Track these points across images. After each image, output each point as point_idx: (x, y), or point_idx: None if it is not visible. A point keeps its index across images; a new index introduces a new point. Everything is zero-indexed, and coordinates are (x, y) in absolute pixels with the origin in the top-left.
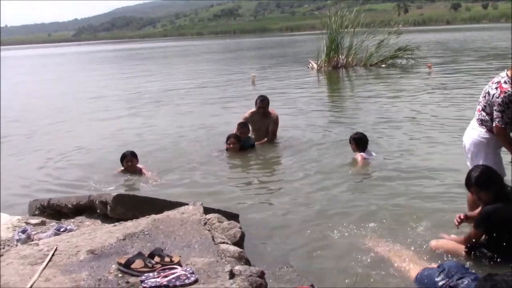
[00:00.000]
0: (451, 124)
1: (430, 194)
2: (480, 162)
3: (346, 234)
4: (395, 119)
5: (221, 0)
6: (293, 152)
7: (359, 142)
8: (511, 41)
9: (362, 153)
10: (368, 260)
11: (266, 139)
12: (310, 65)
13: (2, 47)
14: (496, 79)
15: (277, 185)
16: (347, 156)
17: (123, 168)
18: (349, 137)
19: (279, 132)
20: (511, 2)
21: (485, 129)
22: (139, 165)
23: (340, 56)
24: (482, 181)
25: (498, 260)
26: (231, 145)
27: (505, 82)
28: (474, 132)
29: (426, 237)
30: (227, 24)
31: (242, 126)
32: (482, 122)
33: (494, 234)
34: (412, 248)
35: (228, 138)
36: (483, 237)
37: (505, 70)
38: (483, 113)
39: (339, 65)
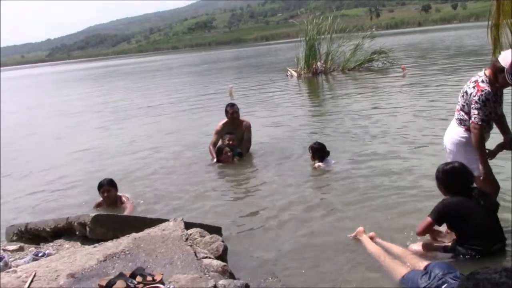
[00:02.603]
0: (425, 124)
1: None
2: (461, 160)
3: (330, 238)
4: (371, 126)
5: (195, 13)
6: (274, 162)
7: (315, 151)
8: (490, 41)
9: (319, 163)
10: (354, 262)
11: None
12: (289, 73)
13: None
14: (473, 78)
15: (258, 197)
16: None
17: (100, 199)
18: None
19: (261, 142)
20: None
21: (464, 129)
22: (119, 193)
23: (318, 63)
24: (441, 176)
25: (478, 257)
26: (229, 154)
27: (482, 81)
28: (453, 132)
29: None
30: (202, 36)
31: (229, 134)
32: (460, 122)
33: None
34: (400, 246)
35: (220, 149)
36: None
37: (483, 69)
38: (462, 113)
39: (318, 71)
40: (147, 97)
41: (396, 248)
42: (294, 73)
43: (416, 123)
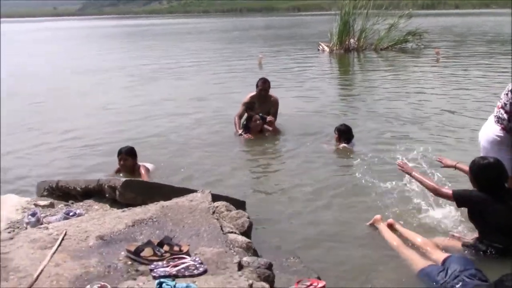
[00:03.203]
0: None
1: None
2: None
3: (354, 224)
4: (401, 110)
5: None
6: (299, 139)
7: (342, 133)
8: None
9: (344, 144)
10: (375, 251)
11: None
12: (321, 47)
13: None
14: None
15: (282, 174)
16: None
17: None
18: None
19: (288, 116)
20: None
21: (500, 127)
22: (140, 163)
23: (351, 39)
24: (474, 169)
25: (498, 255)
26: (258, 122)
27: None
28: (490, 129)
29: (434, 225)
30: (233, 2)
31: (251, 105)
32: (498, 120)
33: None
34: (421, 236)
35: (250, 116)
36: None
37: None
38: (502, 111)
39: (350, 48)
40: (175, 60)
41: (416, 237)
42: (326, 48)
43: (445, 111)
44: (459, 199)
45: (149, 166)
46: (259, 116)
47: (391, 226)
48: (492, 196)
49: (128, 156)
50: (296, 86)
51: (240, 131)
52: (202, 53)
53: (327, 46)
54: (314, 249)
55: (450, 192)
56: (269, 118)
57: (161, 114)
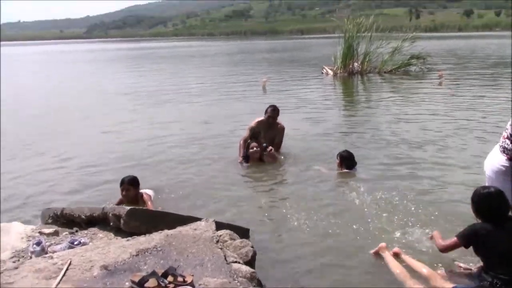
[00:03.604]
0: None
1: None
2: None
3: (359, 252)
4: (405, 134)
5: (233, 0)
6: (302, 164)
7: (344, 159)
8: None
9: (346, 170)
10: (380, 280)
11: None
12: (325, 70)
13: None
14: None
15: (284, 200)
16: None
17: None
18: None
19: (292, 141)
20: None
21: (506, 157)
22: (141, 190)
23: (355, 63)
24: (475, 199)
25: (504, 286)
26: (255, 149)
27: None
28: (495, 159)
29: (440, 256)
30: (238, 25)
31: (257, 135)
32: (504, 150)
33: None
34: (427, 266)
35: (248, 144)
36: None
37: None
38: (508, 141)
39: (354, 72)
40: (180, 83)
41: (422, 268)
42: (330, 71)
43: (449, 134)
44: (464, 240)
45: (150, 192)
46: (262, 143)
47: (396, 255)
48: (495, 226)
49: (130, 185)
50: (300, 110)
51: (240, 159)
52: (206, 76)
53: (331, 69)
54: (319, 279)
55: (454, 239)
56: (269, 149)
57: (165, 137)
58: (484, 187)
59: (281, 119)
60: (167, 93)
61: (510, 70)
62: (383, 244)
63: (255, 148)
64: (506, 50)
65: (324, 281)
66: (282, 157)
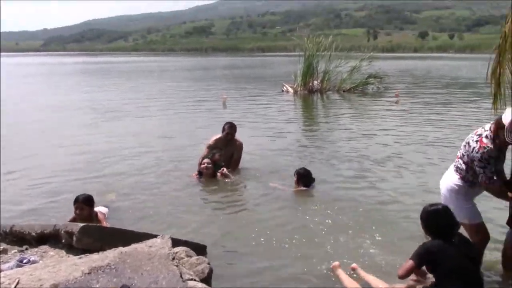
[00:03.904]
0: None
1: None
2: (450, 207)
3: (314, 269)
4: (362, 150)
5: (194, 17)
6: (258, 181)
7: (301, 177)
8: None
9: (302, 188)
10: None
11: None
12: (285, 88)
13: None
14: (479, 131)
15: (244, 218)
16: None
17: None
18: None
19: (249, 157)
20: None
21: (459, 176)
22: (96, 209)
23: (315, 81)
24: (424, 216)
25: None
26: (207, 165)
27: (486, 137)
28: (449, 178)
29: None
30: (199, 41)
31: (219, 151)
32: (457, 169)
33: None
34: (382, 281)
35: (201, 161)
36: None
37: (491, 123)
38: (460, 161)
39: (314, 90)
40: (140, 98)
41: (377, 283)
42: (290, 89)
43: (403, 151)
44: (419, 260)
45: (104, 210)
46: (217, 159)
47: (354, 270)
48: (444, 242)
49: (85, 205)
50: (260, 126)
51: (193, 175)
52: (166, 92)
53: (291, 87)
54: None
55: (411, 262)
56: (220, 171)
57: (120, 152)
58: (432, 205)
59: (240, 135)
60: (125, 107)
61: (462, 91)
62: (336, 263)
63: (206, 164)
64: (459, 72)
65: None
66: (238, 176)
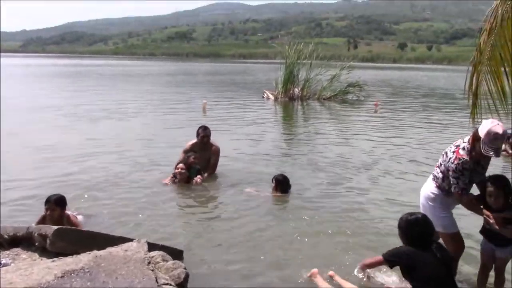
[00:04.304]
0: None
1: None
2: (428, 214)
3: (292, 276)
4: (340, 158)
5: (176, 22)
6: (236, 186)
7: (279, 183)
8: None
9: (280, 194)
10: None
11: (205, 174)
12: (265, 95)
13: None
14: (458, 142)
15: (222, 224)
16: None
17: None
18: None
19: (227, 162)
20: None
21: (435, 185)
22: (69, 212)
23: (296, 88)
24: (402, 225)
25: None
26: (181, 170)
27: (463, 148)
28: (427, 186)
29: (370, 277)
30: (180, 46)
31: (190, 154)
32: (434, 178)
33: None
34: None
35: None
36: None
37: (469, 136)
38: (438, 170)
39: (294, 97)
40: (119, 102)
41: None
42: (271, 96)
43: (380, 158)
44: (390, 260)
45: (79, 218)
46: (191, 162)
47: (331, 278)
48: (421, 251)
49: (56, 206)
50: (239, 131)
51: (167, 180)
52: (147, 96)
53: (272, 94)
54: None
55: (380, 257)
56: (196, 179)
57: (96, 155)
58: (411, 214)
59: (219, 140)
60: (103, 110)
61: (440, 101)
62: (315, 270)
63: (180, 170)
64: (437, 83)
65: None
66: (215, 181)
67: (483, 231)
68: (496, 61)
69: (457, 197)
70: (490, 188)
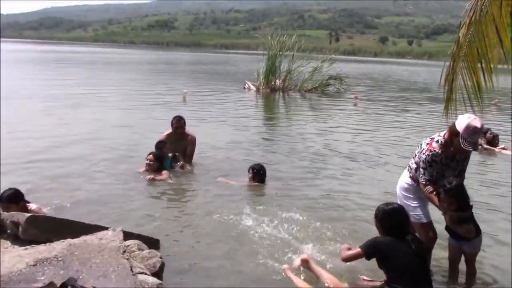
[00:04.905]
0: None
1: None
2: (402, 204)
3: (267, 266)
4: (317, 148)
5: (157, 11)
6: (214, 176)
7: (256, 173)
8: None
9: (256, 183)
10: None
11: (181, 163)
12: (247, 85)
13: None
14: (433, 135)
15: (198, 213)
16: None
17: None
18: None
19: (206, 150)
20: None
21: (409, 175)
22: (33, 204)
23: (277, 80)
24: (379, 215)
25: None
26: (149, 162)
27: (436, 141)
28: (403, 177)
29: (345, 268)
30: (161, 35)
31: (161, 145)
32: (409, 168)
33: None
34: (332, 277)
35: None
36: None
37: (446, 130)
38: (412, 161)
39: (276, 88)
40: (98, 89)
41: (328, 279)
42: (253, 87)
43: (361, 151)
44: (367, 251)
45: (44, 210)
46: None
47: (305, 263)
48: (397, 241)
49: (10, 203)
50: (219, 121)
51: (143, 168)
52: (126, 84)
53: (253, 84)
54: None
55: (357, 250)
56: (175, 166)
57: (72, 143)
58: (388, 204)
59: (197, 130)
60: (80, 98)
61: (419, 95)
62: (285, 266)
63: (148, 161)
64: (417, 77)
65: None
66: (192, 170)
67: (447, 227)
68: (473, 57)
69: (422, 187)
70: (442, 195)
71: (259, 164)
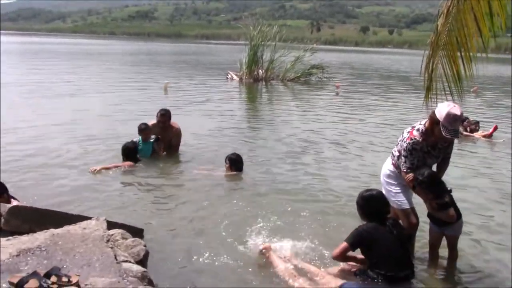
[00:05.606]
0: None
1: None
2: (383, 191)
3: (247, 251)
4: (298, 137)
5: (137, 1)
6: (196, 166)
7: (233, 162)
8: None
9: (234, 172)
10: (267, 279)
11: (164, 153)
12: (230, 75)
13: None
14: (415, 124)
15: (180, 203)
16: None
17: None
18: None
19: (187, 141)
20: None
21: (392, 162)
22: (15, 201)
23: (260, 70)
24: (359, 201)
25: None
26: (127, 168)
27: (417, 130)
28: (386, 164)
29: (323, 251)
30: (141, 26)
31: (143, 126)
32: (391, 155)
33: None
34: (312, 263)
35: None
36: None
37: (427, 119)
38: (395, 148)
39: (259, 78)
40: (77, 80)
41: (309, 266)
42: (235, 77)
43: (342, 139)
44: (352, 243)
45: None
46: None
47: (265, 250)
48: (378, 226)
49: None
50: (202, 111)
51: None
52: (107, 75)
53: (236, 75)
54: (211, 278)
55: (345, 244)
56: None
57: (52, 134)
58: (367, 190)
59: (179, 119)
60: (59, 88)
61: (401, 83)
62: (267, 245)
63: (128, 167)
64: (398, 66)
65: (215, 279)
66: (174, 160)
67: (429, 214)
68: (453, 46)
69: (403, 175)
70: (416, 188)
71: (235, 153)
